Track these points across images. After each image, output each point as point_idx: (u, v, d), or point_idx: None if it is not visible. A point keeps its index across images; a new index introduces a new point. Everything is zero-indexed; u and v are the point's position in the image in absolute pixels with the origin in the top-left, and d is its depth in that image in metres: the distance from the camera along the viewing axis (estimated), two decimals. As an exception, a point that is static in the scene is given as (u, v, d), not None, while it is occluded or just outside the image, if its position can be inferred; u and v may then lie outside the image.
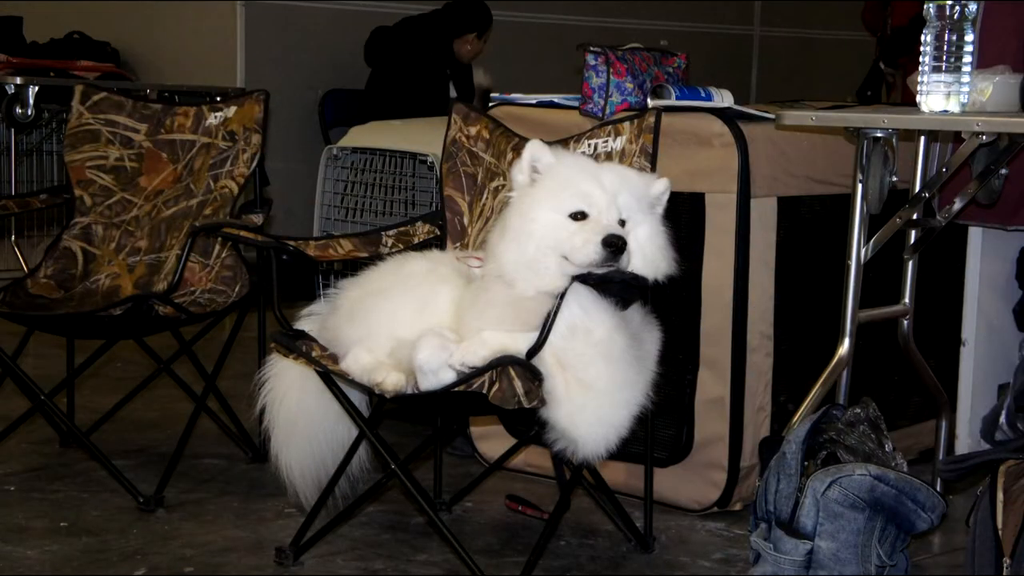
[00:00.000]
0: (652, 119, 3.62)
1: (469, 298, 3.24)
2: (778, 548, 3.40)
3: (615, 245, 3.08)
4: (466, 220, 3.73)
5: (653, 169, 3.59)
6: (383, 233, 3.72)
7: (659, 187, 3.28)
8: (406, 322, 3.24)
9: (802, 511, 3.38)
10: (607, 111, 3.94)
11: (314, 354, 3.29)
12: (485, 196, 3.74)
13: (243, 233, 3.68)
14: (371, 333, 3.25)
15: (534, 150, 3.25)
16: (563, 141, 3.70)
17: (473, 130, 3.81)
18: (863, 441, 3.61)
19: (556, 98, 4.17)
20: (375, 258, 3.56)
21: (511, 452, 3.87)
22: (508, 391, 3.03)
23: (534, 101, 4.16)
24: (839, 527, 3.37)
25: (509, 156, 3.72)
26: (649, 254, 3.18)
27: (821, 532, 3.37)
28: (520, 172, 3.25)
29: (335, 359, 3.26)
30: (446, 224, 3.74)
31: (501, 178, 3.71)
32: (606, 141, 3.70)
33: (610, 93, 3.97)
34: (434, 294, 3.30)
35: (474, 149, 3.79)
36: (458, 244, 3.68)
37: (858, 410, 3.63)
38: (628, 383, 3.15)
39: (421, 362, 3.08)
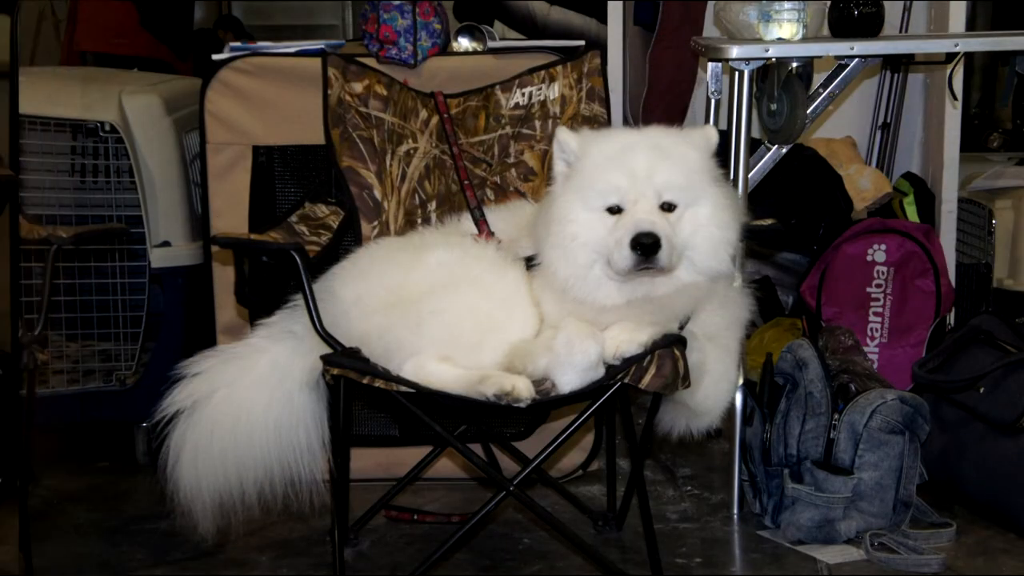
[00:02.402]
0: (596, 60, 3.50)
1: (552, 294, 2.94)
2: (823, 488, 3.46)
3: (644, 245, 2.79)
4: (378, 194, 3.43)
5: (608, 114, 3.48)
6: (288, 220, 3.32)
7: (705, 141, 2.98)
8: (493, 320, 2.95)
9: (838, 447, 3.47)
10: (419, 57, 3.73)
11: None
12: (391, 162, 3.45)
13: (265, 237, 3.12)
14: (450, 337, 2.91)
15: (559, 139, 3.00)
16: (484, 90, 3.53)
17: (359, 87, 3.46)
18: (860, 362, 3.69)
19: (311, 45, 3.83)
20: (293, 248, 3.01)
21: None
22: (671, 375, 2.83)
23: (293, 50, 3.82)
24: (883, 455, 3.47)
25: (423, 114, 3.51)
26: (702, 245, 2.88)
27: (862, 464, 3.47)
28: (556, 162, 3.01)
29: (389, 375, 2.91)
30: (352, 201, 3.39)
31: (410, 140, 3.48)
32: (540, 88, 3.53)
33: (419, 36, 3.73)
34: (509, 283, 3.00)
35: (365, 109, 3.46)
36: (376, 223, 3.41)
37: (850, 341, 3.74)
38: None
39: (583, 358, 2.82)
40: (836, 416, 3.48)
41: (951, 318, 4.50)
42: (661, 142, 2.97)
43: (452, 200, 3.53)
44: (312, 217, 3.35)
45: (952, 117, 4.65)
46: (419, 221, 3.48)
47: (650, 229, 2.82)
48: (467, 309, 2.96)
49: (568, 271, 2.92)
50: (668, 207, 2.91)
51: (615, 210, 2.91)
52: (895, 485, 3.48)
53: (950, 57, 3.77)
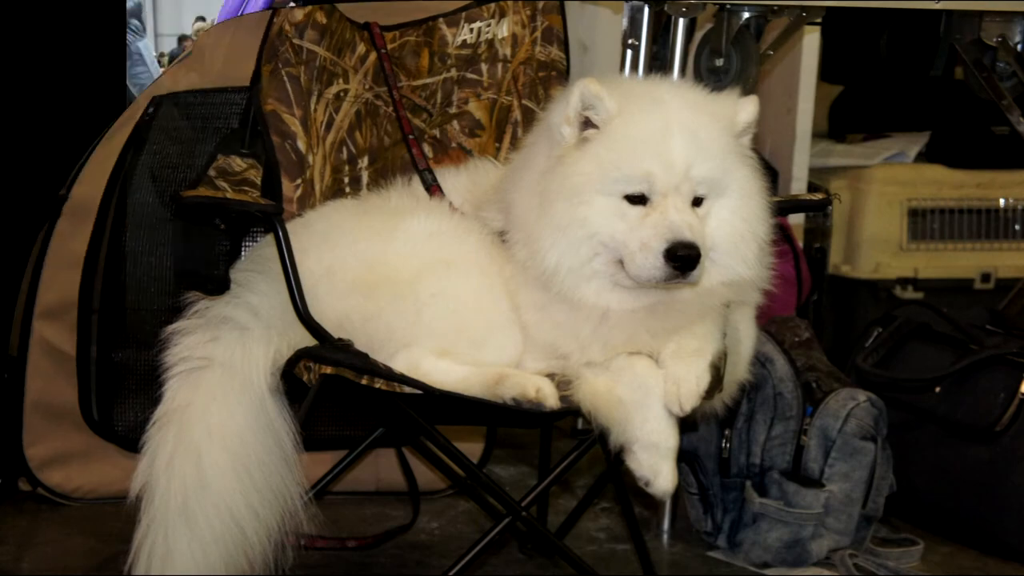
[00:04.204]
0: None
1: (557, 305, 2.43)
2: (794, 503, 3.05)
3: (683, 258, 2.31)
4: (302, 145, 2.80)
5: (567, 60, 3.00)
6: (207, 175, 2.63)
7: (745, 115, 2.46)
8: (501, 311, 2.48)
9: (808, 455, 3.08)
10: None
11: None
12: (315, 106, 2.83)
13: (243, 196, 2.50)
14: (453, 328, 2.43)
15: (588, 92, 2.38)
16: (425, 22, 2.97)
17: (300, 13, 2.85)
18: (819, 357, 3.31)
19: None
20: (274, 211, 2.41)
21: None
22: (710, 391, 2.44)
23: None
24: (855, 464, 3.10)
25: (360, 48, 2.89)
26: (724, 244, 2.41)
27: (832, 475, 3.08)
28: (567, 123, 2.41)
29: (392, 374, 2.38)
30: (272, 153, 2.78)
31: (341, 80, 2.87)
32: (489, 24, 2.98)
33: None
34: (497, 265, 2.50)
35: (299, 41, 2.84)
36: (299, 181, 2.79)
37: (807, 334, 3.34)
38: None
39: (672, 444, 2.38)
40: (807, 420, 3.09)
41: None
42: (699, 120, 2.44)
43: (386, 156, 2.90)
44: (230, 172, 2.66)
45: (806, 87, 4.34)
46: (346, 181, 2.84)
47: (691, 239, 2.33)
48: (473, 295, 2.47)
49: (565, 261, 2.39)
50: (696, 201, 2.42)
51: (637, 199, 2.38)
52: (863, 498, 3.12)
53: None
